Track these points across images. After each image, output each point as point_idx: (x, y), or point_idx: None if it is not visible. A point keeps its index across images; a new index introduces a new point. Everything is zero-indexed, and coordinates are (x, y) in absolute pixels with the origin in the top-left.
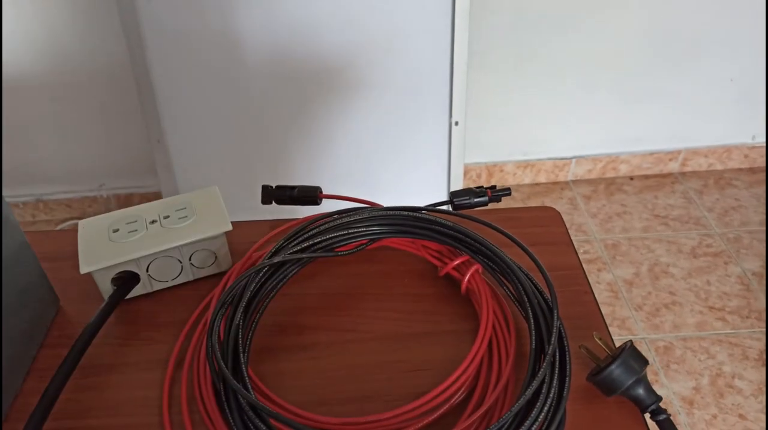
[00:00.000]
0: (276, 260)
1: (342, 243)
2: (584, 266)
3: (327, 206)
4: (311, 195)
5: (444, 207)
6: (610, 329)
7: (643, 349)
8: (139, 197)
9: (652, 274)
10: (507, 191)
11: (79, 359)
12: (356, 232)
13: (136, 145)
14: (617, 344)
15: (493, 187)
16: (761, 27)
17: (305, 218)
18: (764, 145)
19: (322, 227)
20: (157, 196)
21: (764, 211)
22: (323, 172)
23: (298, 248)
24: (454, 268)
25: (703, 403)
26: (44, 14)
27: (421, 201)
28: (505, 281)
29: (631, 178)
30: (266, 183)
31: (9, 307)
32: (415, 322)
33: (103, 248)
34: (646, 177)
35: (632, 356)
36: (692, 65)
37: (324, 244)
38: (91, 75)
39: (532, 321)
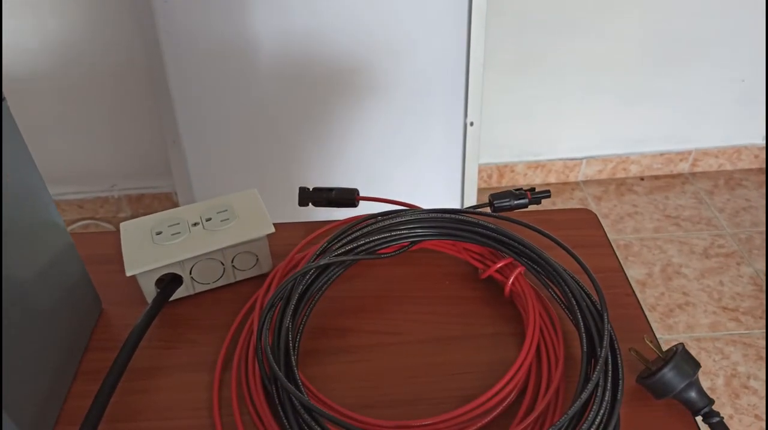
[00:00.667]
0: (322, 262)
1: (384, 245)
2: None
3: (363, 208)
4: (349, 197)
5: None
6: None
7: None
8: (150, 198)
9: (664, 274)
10: (547, 193)
11: (128, 361)
12: (399, 234)
13: (148, 145)
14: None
15: (533, 189)
16: None
17: (345, 221)
18: None
19: (365, 230)
20: (169, 197)
21: None
22: (337, 173)
23: (342, 250)
24: (497, 271)
25: (719, 403)
26: (59, 14)
27: (435, 202)
28: (551, 285)
29: (642, 179)
30: (282, 187)
31: (54, 309)
32: (456, 324)
33: (147, 250)
34: (657, 178)
35: (684, 359)
36: (702, 65)
37: (367, 246)
38: (104, 75)
39: (581, 325)
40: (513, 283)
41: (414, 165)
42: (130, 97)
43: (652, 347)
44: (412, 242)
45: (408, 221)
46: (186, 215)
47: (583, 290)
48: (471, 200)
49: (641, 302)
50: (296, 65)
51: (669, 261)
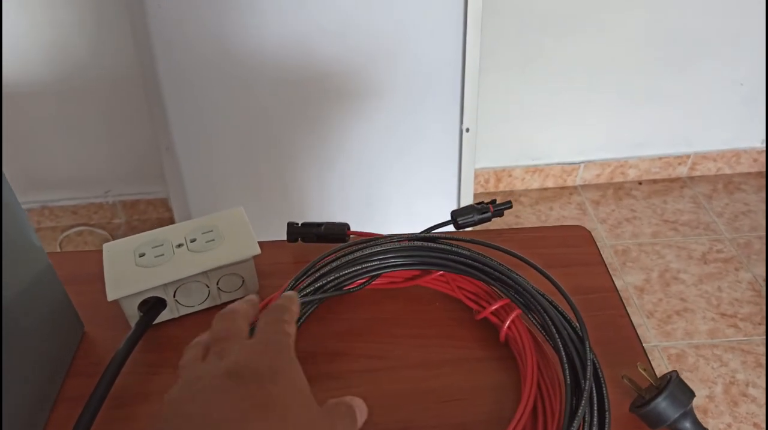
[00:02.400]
0: (318, 296)
1: (356, 278)
2: None
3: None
4: (338, 232)
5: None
6: None
7: (655, 356)
8: (145, 204)
9: (662, 280)
10: (508, 205)
11: (110, 388)
12: (370, 266)
13: (143, 151)
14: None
15: (494, 201)
16: None
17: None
18: None
19: (333, 264)
20: (164, 202)
21: None
22: (332, 179)
23: (310, 289)
24: (492, 313)
25: (717, 411)
26: (53, 19)
27: (432, 208)
28: (532, 314)
29: (640, 183)
30: (276, 194)
31: (34, 333)
32: (447, 348)
33: (129, 273)
34: (655, 181)
35: (679, 388)
36: (701, 69)
37: (336, 281)
38: (98, 81)
39: (563, 354)
40: (509, 327)
41: (410, 171)
42: (124, 102)
43: (645, 375)
44: (373, 277)
45: (380, 252)
46: (170, 236)
47: (564, 317)
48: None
49: (639, 309)
50: (291, 70)
51: (667, 266)
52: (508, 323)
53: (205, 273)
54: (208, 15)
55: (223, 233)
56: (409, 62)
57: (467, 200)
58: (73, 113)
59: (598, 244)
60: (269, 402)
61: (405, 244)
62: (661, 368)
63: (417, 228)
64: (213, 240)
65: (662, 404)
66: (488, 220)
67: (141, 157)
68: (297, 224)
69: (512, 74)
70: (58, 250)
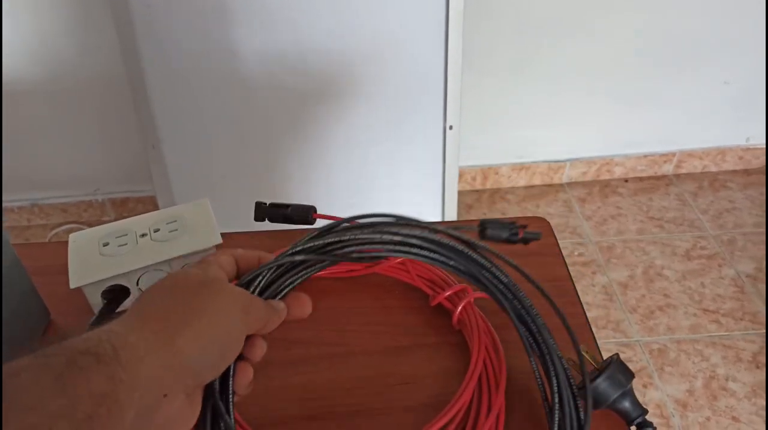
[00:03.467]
0: (298, 257)
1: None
2: (579, 268)
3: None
4: (304, 215)
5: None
6: (605, 331)
7: (637, 351)
8: (134, 202)
9: (646, 276)
10: (537, 236)
11: None
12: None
13: (132, 149)
14: (614, 349)
15: (525, 226)
16: (754, 30)
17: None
18: (759, 146)
19: (344, 237)
20: (152, 200)
21: (758, 213)
22: (319, 177)
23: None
24: (447, 298)
25: (696, 405)
26: (39, 20)
27: (416, 206)
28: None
29: (626, 181)
30: (262, 192)
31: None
32: (403, 335)
33: (93, 262)
34: (641, 179)
35: (619, 370)
36: (686, 68)
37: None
38: (87, 80)
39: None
40: (461, 312)
41: (395, 169)
42: (113, 101)
43: (587, 357)
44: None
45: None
46: (134, 227)
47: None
48: (451, 204)
49: (622, 304)
50: (276, 71)
51: (651, 263)
52: (460, 308)
53: (167, 262)
54: (194, 15)
55: (187, 223)
56: (392, 61)
57: (452, 197)
58: (63, 112)
59: (583, 241)
60: (183, 297)
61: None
62: (642, 363)
63: None
64: (176, 230)
65: (602, 385)
66: (514, 242)
67: (130, 155)
68: (265, 203)
69: (500, 74)
70: None
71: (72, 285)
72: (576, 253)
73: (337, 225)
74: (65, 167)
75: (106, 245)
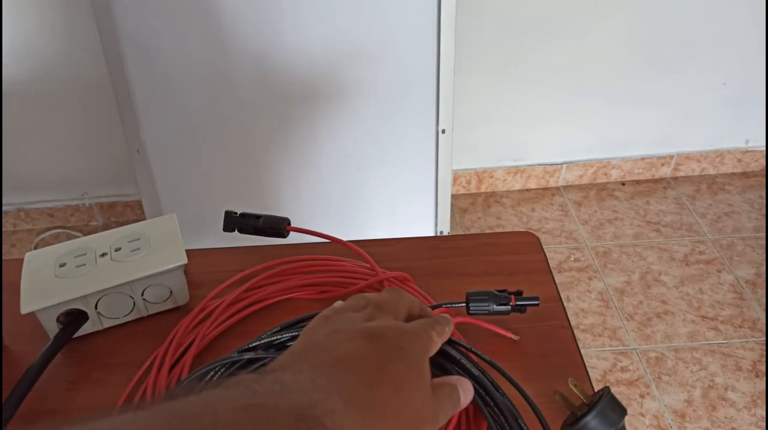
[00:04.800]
0: (246, 356)
1: None
2: (575, 274)
3: (295, 238)
4: (277, 227)
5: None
6: (601, 339)
7: (634, 360)
8: (122, 206)
9: (643, 282)
10: (535, 301)
11: (18, 406)
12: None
13: (119, 153)
14: (610, 358)
15: (519, 292)
16: (753, 31)
17: (276, 263)
18: (757, 149)
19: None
20: (140, 205)
21: (757, 216)
22: (308, 182)
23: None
24: None
25: (695, 416)
26: (22, 22)
27: (409, 210)
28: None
29: (623, 184)
30: (250, 196)
31: None
32: None
33: (47, 284)
34: (638, 182)
35: (609, 406)
36: (683, 70)
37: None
38: (72, 83)
39: None
40: None
41: (388, 172)
42: (99, 104)
43: (575, 391)
44: None
45: None
46: (95, 245)
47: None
48: (445, 209)
49: (619, 311)
50: (263, 73)
51: (648, 268)
52: None
53: (128, 283)
54: (176, 15)
55: (151, 241)
56: (384, 65)
57: (445, 202)
58: (49, 116)
59: (579, 245)
60: (387, 369)
61: None
62: (639, 372)
63: (395, 227)
64: (139, 249)
65: (592, 423)
66: (506, 313)
67: (118, 159)
68: (235, 213)
69: (495, 76)
70: None
71: (23, 310)
72: (572, 258)
73: (299, 321)
74: (52, 171)
75: (62, 265)
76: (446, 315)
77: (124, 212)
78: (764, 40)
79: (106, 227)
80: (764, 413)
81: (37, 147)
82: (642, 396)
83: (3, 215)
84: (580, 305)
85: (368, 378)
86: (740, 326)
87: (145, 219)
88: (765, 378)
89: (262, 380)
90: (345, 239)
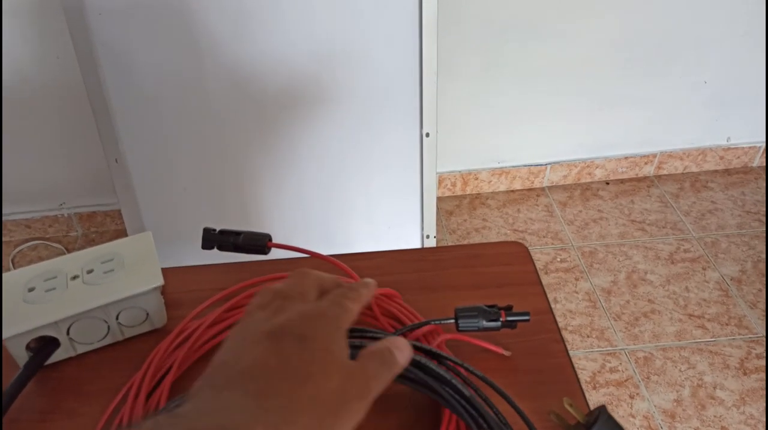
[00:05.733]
0: None
1: None
2: (562, 275)
3: (276, 254)
4: (258, 244)
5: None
6: (589, 340)
7: (622, 360)
8: (102, 216)
9: (629, 281)
10: (525, 317)
11: None
12: None
13: (97, 162)
14: (599, 358)
15: (510, 307)
16: (733, 29)
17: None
18: (739, 146)
19: None
20: (120, 214)
21: (740, 213)
22: (290, 188)
23: None
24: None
25: (684, 415)
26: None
27: (394, 215)
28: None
29: (607, 183)
30: (231, 204)
31: None
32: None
33: (15, 310)
34: (622, 181)
35: (606, 426)
36: (664, 69)
37: None
38: (46, 92)
39: None
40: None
41: (372, 176)
42: (76, 113)
43: (571, 411)
44: None
45: None
46: (66, 267)
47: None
48: (430, 213)
49: (606, 311)
50: (246, 79)
51: (634, 268)
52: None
53: (101, 308)
54: (154, 23)
55: (125, 261)
56: (367, 69)
57: (431, 205)
58: (24, 125)
59: (565, 246)
60: (290, 364)
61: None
62: (628, 372)
63: (381, 232)
64: (112, 270)
65: None
66: (496, 329)
67: (96, 168)
68: (214, 230)
69: (477, 79)
70: (11, 266)
71: None
72: (558, 259)
73: None
74: (28, 181)
75: (31, 290)
76: (367, 279)
77: (104, 222)
78: (744, 39)
79: (85, 237)
80: (753, 411)
81: (11, 157)
82: (631, 397)
83: None
84: (568, 306)
85: (272, 382)
86: (726, 324)
87: (125, 228)
88: (765, 378)
89: (170, 421)
90: (330, 249)
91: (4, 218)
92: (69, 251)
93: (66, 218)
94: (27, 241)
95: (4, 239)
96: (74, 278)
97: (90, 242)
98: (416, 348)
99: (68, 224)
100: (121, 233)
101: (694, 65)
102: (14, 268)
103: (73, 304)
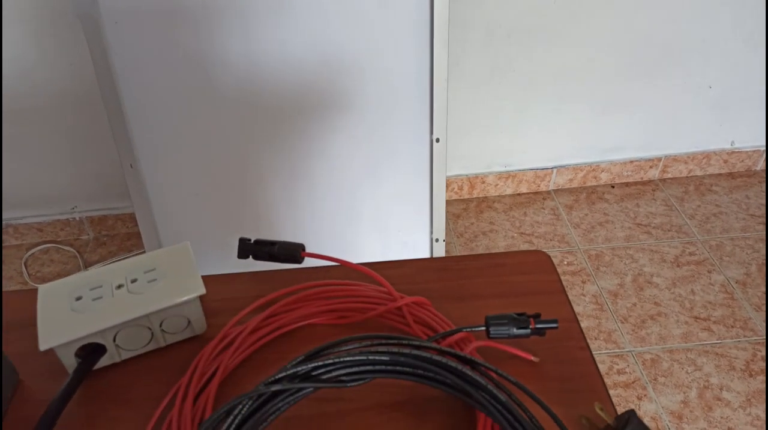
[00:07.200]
0: (274, 387)
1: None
2: (569, 277)
3: (308, 262)
4: (293, 253)
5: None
6: (597, 342)
7: (630, 362)
8: (113, 219)
9: (636, 284)
10: (554, 325)
11: None
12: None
13: (109, 166)
14: (607, 360)
15: (538, 315)
16: (738, 34)
17: (298, 272)
18: (743, 150)
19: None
20: (132, 217)
21: (744, 216)
22: (302, 194)
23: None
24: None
25: (692, 417)
26: (7, 34)
27: (403, 220)
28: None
29: (612, 187)
30: (245, 209)
31: None
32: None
33: (64, 319)
34: (627, 185)
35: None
36: (669, 74)
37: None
38: (60, 97)
39: None
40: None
41: (382, 182)
42: (88, 118)
43: (603, 415)
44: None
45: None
46: (109, 277)
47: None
48: (439, 217)
49: (613, 314)
50: (257, 86)
51: (640, 271)
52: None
53: (146, 316)
54: (168, 30)
55: (167, 271)
56: (377, 75)
57: (440, 209)
58: (36, 130)
59: (571, 249)
60: None
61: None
62: (635, 374)
63: (389, 236)
64: (155, 279)
65: None
66: (526, 336)
67: (108, 173)
68: (249, 240)
69: (483, 83)
70: (24, 269)
71: (41, 347)
72: (565, 262)
73: (322, 350)
74: (40, 185)
75: (78, 298)
76: None
77: (115, 226)
78: (748, 44)
79: (96, 240)
80: (759, 412)
81: (24, 161)
82: (639, 398)
83: None
84: (576, 308)
85: None
86: (732, 326)
87: (138, 233)
88: (765, 378)
89: None
90: (338, 253)
91: (16, 222)
92: (82, 254)
93: (77, 222)
94: (39, 244)
95: (16, 242)
96: (119, 286)
97: (101, 245)
98: (450, 355)
99: (80, 227)
100: (132, 236)
101: (699, 70)
102: (27, 270)
103: (120, 312)
